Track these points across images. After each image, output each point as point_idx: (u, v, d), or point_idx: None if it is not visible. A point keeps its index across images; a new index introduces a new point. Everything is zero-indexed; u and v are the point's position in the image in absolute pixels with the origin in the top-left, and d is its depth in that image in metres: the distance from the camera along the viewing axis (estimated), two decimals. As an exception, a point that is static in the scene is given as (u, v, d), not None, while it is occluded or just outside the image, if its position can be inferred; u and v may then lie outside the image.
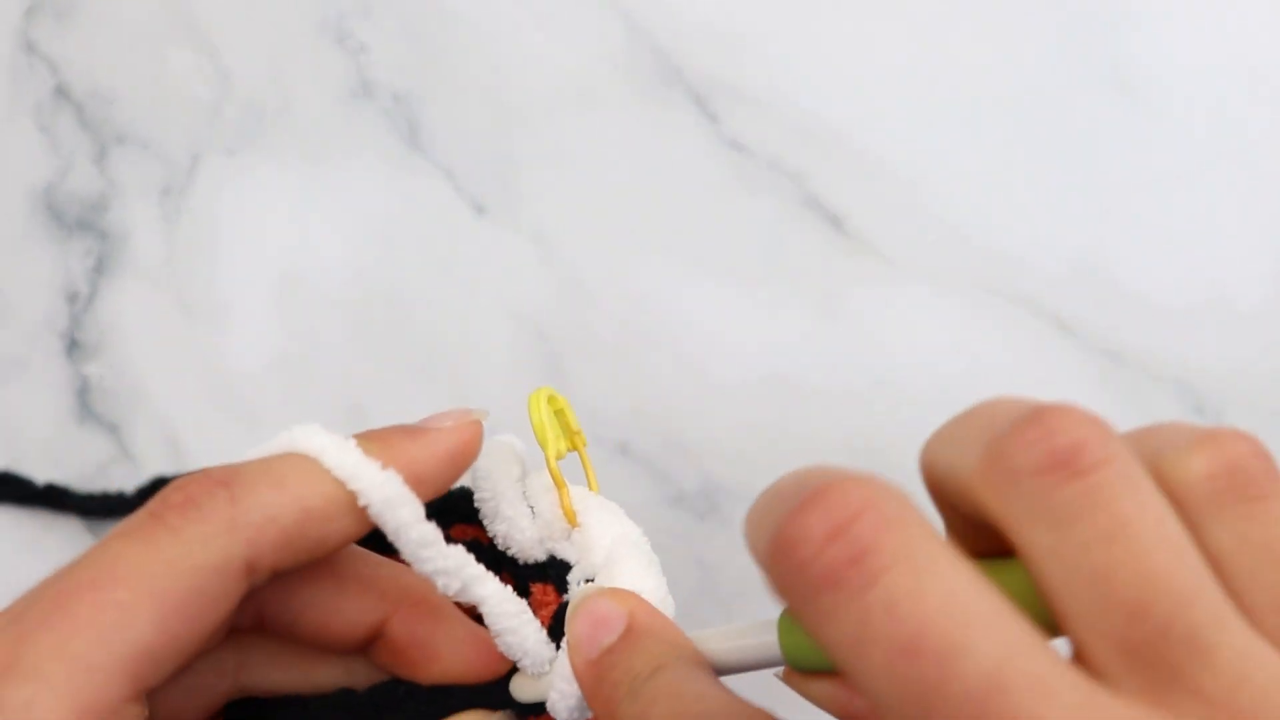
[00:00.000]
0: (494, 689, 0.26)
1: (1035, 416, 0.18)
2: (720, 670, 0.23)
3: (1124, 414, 0.41)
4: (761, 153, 0.44)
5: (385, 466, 0.24)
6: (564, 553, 0.28)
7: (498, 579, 0.26)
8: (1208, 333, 0.41)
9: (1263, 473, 0.18)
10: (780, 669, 0.23)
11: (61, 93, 0.48)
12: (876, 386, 0.42)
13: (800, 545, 0.17)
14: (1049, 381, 0.42)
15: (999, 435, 0.18)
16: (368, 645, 0.26)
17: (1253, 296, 0.41)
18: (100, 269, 0.47)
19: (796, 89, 0.44)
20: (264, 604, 0.25)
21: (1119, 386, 0.41)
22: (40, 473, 0.45)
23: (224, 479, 0.23)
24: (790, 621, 0.22)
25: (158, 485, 0.45)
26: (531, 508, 0.28)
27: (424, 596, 0.26)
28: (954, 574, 0.17)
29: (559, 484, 0.28)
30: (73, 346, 0.46)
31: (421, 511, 0.24)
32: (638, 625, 0.23)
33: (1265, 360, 0.41)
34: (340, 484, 0.23)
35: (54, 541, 0.46)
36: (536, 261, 0.45)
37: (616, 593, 0.24)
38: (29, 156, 0.48)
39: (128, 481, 0.45)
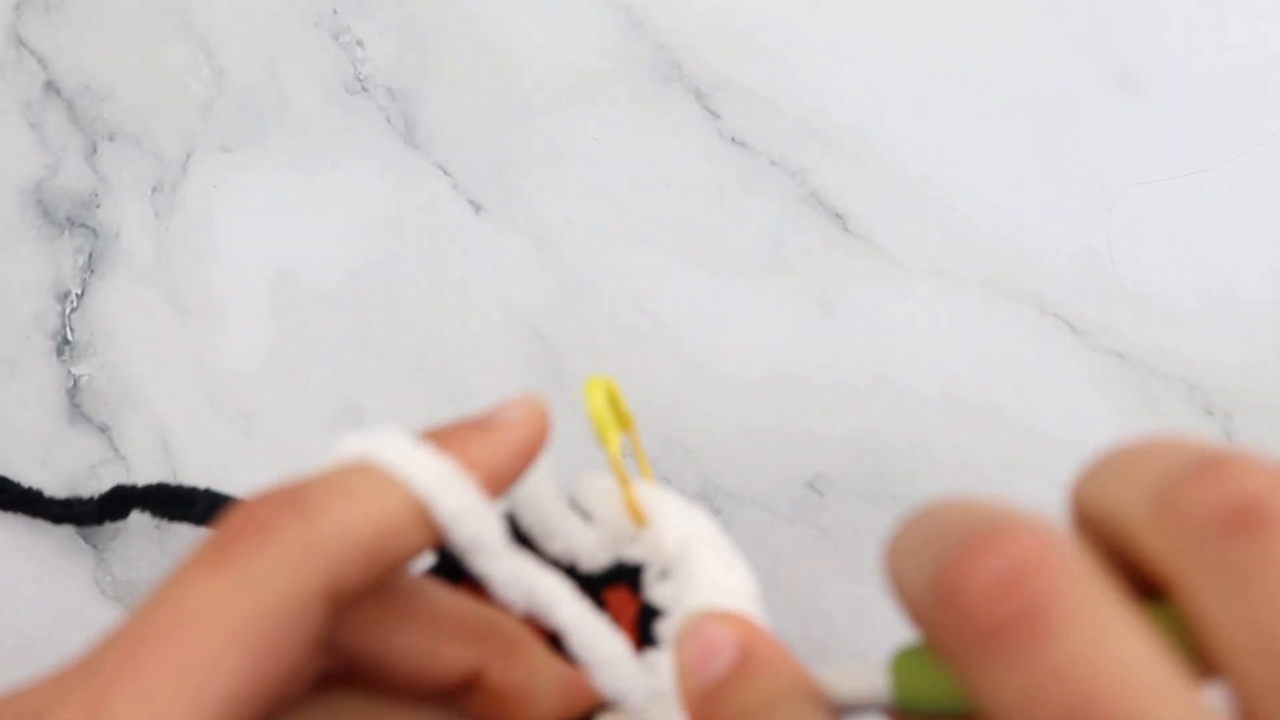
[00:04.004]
0: None
1: (1213, 465, 0.17)
2: (840, 709, 0.21)
3: (1131, 413, 0.41)
4: (763, 149, 0.44)
5: (459, 470, 0.22)
6: (632, 554, 0.25)
7: (584, 602, 0.24)
8: (1216, 331, 0.41)
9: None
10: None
11: (52, 88, 0.47)
12: (879, 386, 0.42)
13: (967, 594, 0.16)
14: (1055, 381, 0.41)
15: (1173, 483, 0.17)
16: (460, 693, 0.24)
17: (1261, 295, 0.41)
18: (91, 267, 0.46)
19: (798, 85, 0.44)
20: (356, 652, 0.23)
21: (1126, 386, 0.41)
22: (30, 474, 0.45)
23: (293, 498, 0.21)
24: (911, 662, 0.20)
25: (117, 494, 0.43)
26: (585, 514, 0.26)
27: (517, 637, 0.24)
28: (1130, 636, 0.16)
29: (623, 481, 0.25)
30: (63, 346, 0.46)
31: (498, 524, 0.22)
32: (753, 655, 0.21)
33: (1274, 359, 0.40)
34: (414, 494, 0.22)
35: (43, 544, 0.45)
36: (535, 260, 0.44)
37: (727, 617, 0.22)
38: (18, 153, 0.47)
39: (119, 482, 0.45)
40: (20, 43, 0.48)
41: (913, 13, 0.44)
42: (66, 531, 0.45)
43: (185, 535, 0.45)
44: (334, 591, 0.20)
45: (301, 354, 0.45)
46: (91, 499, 0.43)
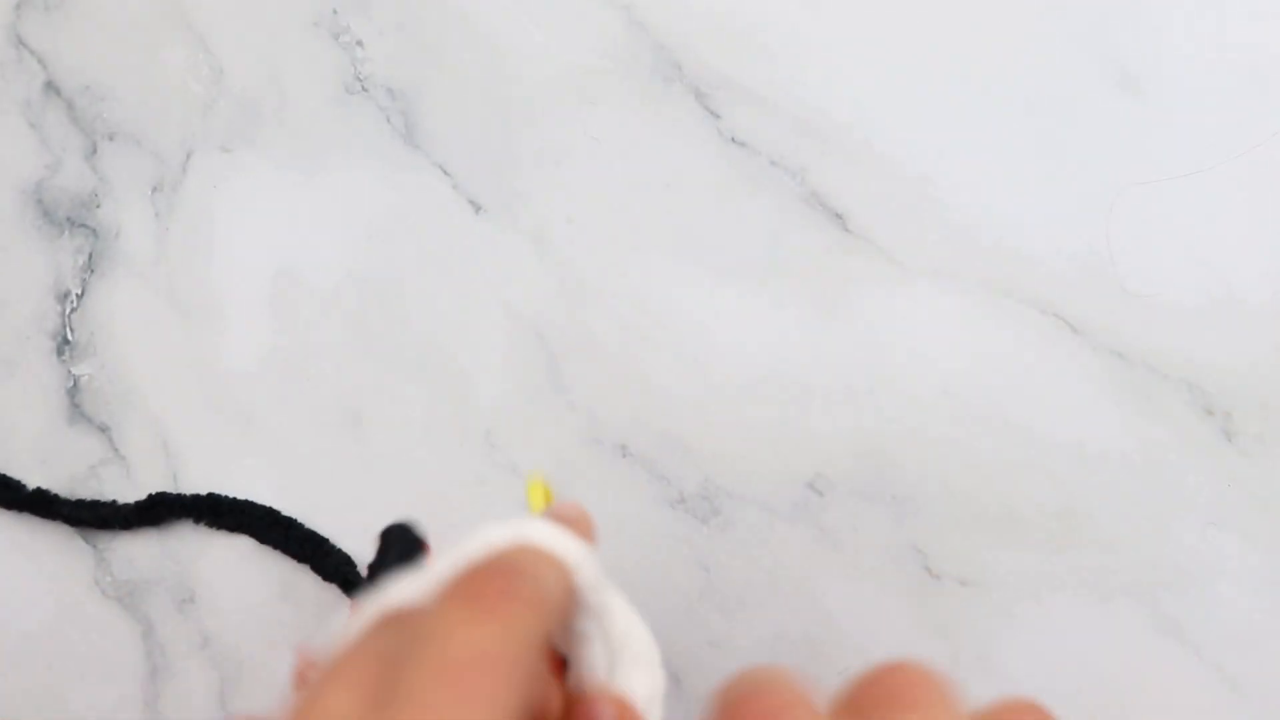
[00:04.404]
0: None
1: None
2: None
3: (1131, 413, 0.41)
4: (763, 149, 0.44)
5: (580, 543, 0.27)
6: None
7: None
8: (1216, 331, 0.41)
9: None
10: None
11: (52, 88, 0.47)
12: (879, 387, 0.42)
13: None
14: (1055, 381, 0.41)
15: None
16: None
17: (1261, 295, 0.41)
18: (91, 267, 0.46)
19: (799, 85, 0.44)
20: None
21: (1126, 386, 0.41)
22: (30, 474, 0.45)
23: (515, 566, 0.25)
24: None
25: (155, 502, 0.44)
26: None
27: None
28: None
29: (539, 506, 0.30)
30: (63, 346, 0.46)
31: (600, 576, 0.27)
32: None
33: (1274, 359, 0.40)
34: (568, 563, 0.26)
35: (43, 544, 0.45)
36: (535, 260, 0.44)
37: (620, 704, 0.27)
38: (18, 153, 0.47)
39: (119, 482, 0.45)
40: (20, 43, 0.48)
41: (913, 13, 0.44)
42: (66, 531, 0.45)
43: (185, 536, 0.45)
44: (543, 652, 0.24)
45: (301, 354, 0.45)
46: (114, 502, 0.44)
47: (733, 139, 0.44)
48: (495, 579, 0.24)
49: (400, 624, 0.23)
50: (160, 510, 0.44)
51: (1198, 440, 0.40)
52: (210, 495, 0.44)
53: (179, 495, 0.44)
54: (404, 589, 0.25)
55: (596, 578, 0.27)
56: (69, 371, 0.45)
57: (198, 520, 0.44)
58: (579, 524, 0.29)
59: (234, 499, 0.44)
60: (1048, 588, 0.40)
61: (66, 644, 0.45)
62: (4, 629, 0.45)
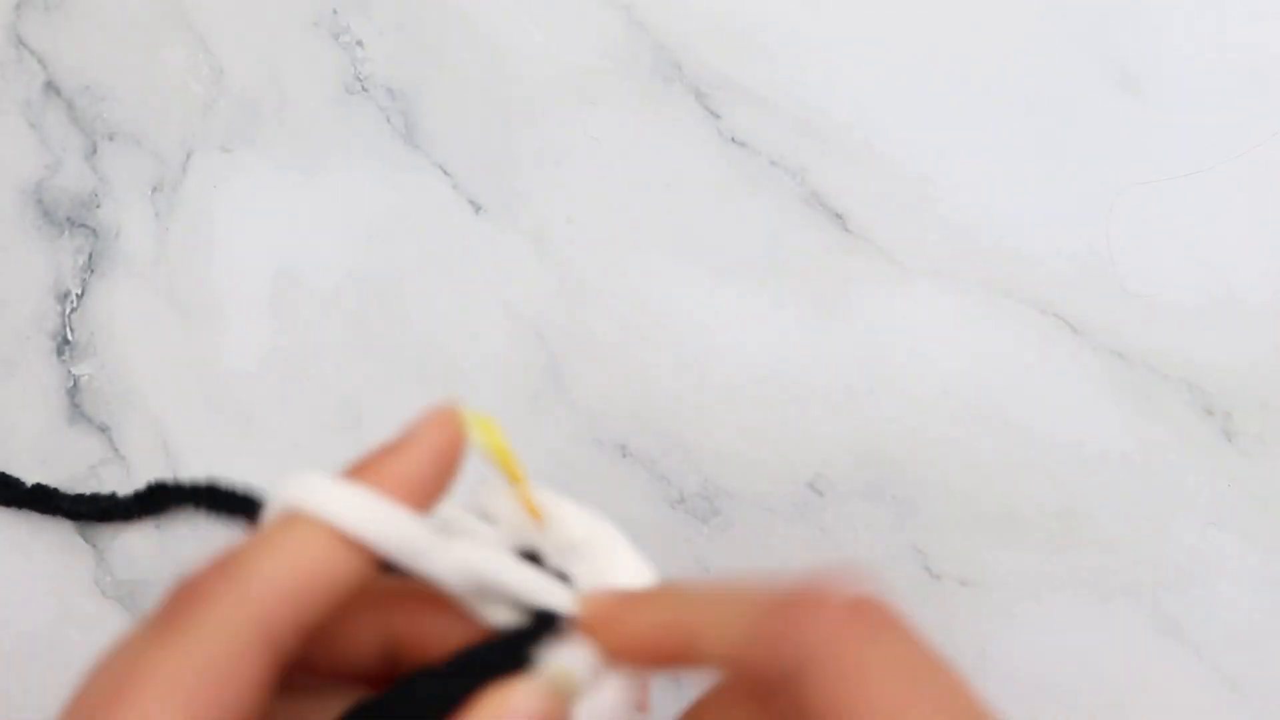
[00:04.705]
0: (512, 643, 0.25)
1: None
2: None
3: (1131, 413, 0.41)
4: (763, 149, 0.44)
5: (374, 494, 0.24)
6: (534, 544, 0.27)
7: (529, 565, 0.25)
8: (1216, 331, 0.41)
9: None
10: None
11: (52, 88, 0.47)
12: (879, 387, 0.42)
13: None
14: (1055, 381, 0.41)
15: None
16: (386, 669, 0.26)
17: (1262, 295, 0.41)
18: (91, 267, 0.46)
19: (799, 85, 0.44)
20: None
21: (1126, 386, 0.41)
22: (30, 474, 0.45)
23: (222, 563, 0.23)
24: None
25: (154, 490, 0.44)
26: (488, 519, 0.27)
27: (429, 597, 0.26)
28: None
29: (518, 481, 0.27)
30: (63, 346, 0.46)
31: (424, 528, 0.24)
32: None
33: (1274, 359, 0.40)
34: (339, 530, 0.23)
35: (42, 543, 0.45)
36: (535, 260, 0.44)
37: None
38: (18, 153, 0.47)
39: (119, 483, 0.45)
40: (20, 43, 0.48)
41: (913, 13, 0.44)
42: (66, 531, 0.45)
43: (186, 535, 0.45)
44: (274, 639, 0.22)
45: (301, 354, 0.45)
46: (113, 495, 0.44)
47: (733, 139, 0.44)
48: (193, 582, 0.22)
49: (101, 661, 0.22)
50: (159, 498, 0.44)
51: (1198, 440, 0.40)
52: (209, 483, 0.44)
53: (178, 484, 0.44)
54: None
55: (395, 521, 0.24)
56: (69, 371, 0.45)
57: (197, 506, 0.44)
58: (410, 449, 0.25)
59: (232, 488, 0.44)
60: (1048, 588, 0.40)
61: (66, 644, 0.45)
62: (4, 629, 0.45)
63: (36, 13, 0.48)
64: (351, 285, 0.45)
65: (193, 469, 0.45)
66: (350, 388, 0.44)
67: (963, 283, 0.42)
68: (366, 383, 0.44)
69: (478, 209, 0.45)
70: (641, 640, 0.23)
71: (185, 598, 0.22)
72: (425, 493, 0.25)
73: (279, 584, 0.22)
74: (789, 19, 0.44)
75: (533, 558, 0.27)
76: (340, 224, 0.45)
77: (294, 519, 0.24)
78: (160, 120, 0.47)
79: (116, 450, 0.45)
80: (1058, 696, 0.40)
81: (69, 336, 0.46)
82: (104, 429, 0.45)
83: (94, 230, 0.46)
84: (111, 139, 0.47)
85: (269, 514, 0.24)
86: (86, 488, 0.44)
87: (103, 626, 0.45)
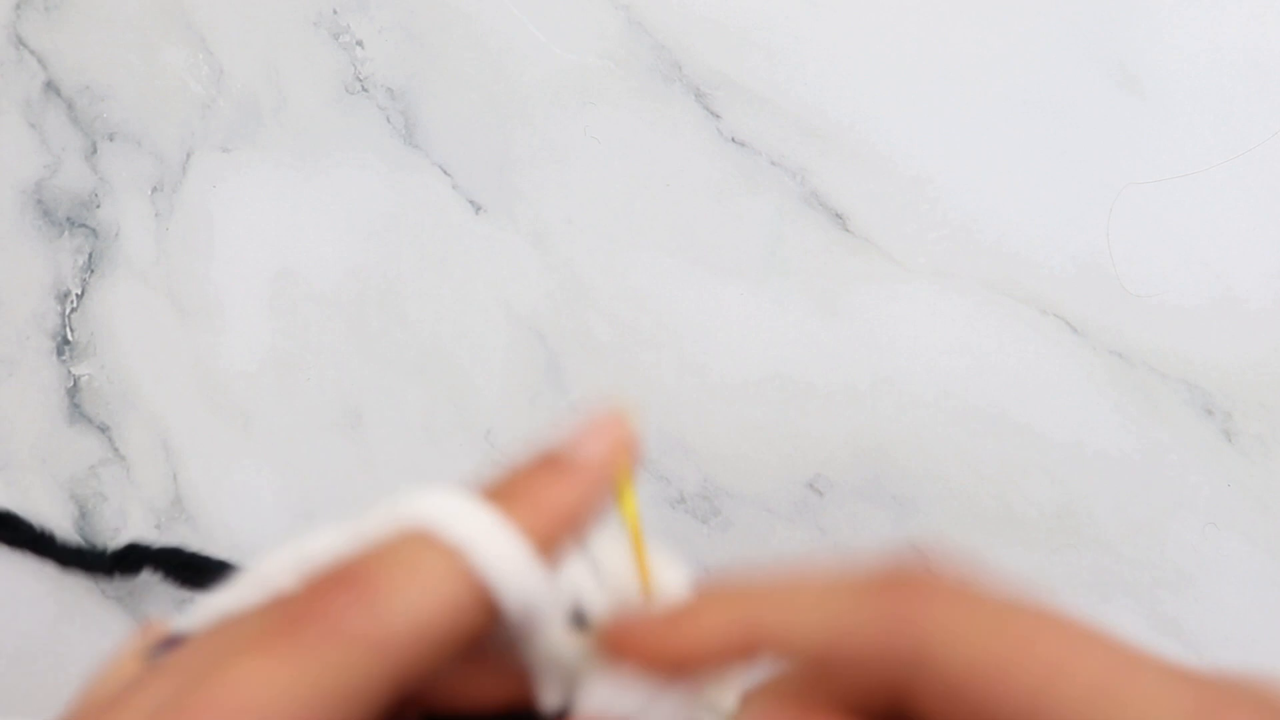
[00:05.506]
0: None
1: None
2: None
3: (1131, 413, 0.41)
4: (763, 149, 0.44)
5: (523, 542, 0.20)
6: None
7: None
8: (1216, 332, 0.41)
9: None
10: None
11: (52, 88, 0.47)
12: (879, 386, 0.42)
13: None
14: (1055, 381, 0.41)
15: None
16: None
17: (1261, 296, 0.41)
18: (91, 267, 0.46)
19: (799, 85, 0.44)
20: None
21: (1126, 386, 0.41)
22: (30, 474, 0.45)
23: (356, 582, 0.19)
24: None
25: (131, 551, 0.44)
26: (593, 561, 0.23)
27: None
28: None
29: (639, 547, 0.23)
30: (63, 346, 0.46)
31: (560, 605, 0.21)
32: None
33: (1274, 359, 0.40)
34: (478, 574, 0.20)
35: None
36: (535, 260, 0.44)
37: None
38: (18, 153, 0.47)
39: (119, 483, 0.45)
40: (20, 43, 0.48)
41: (913, 13, 0.44)
42: (67, 532, 0.45)
43: (185, 535, 0.45)
44: (400, 681, 0.19)
45: (301, 354, 0.45)
46: (104, 549, 0.44)
47: (733, 139, 0.44)
48: (318, 599, 0.19)
49: (179, 661, 0.19)
50: (132, 560, 0.44)
51: (1198, 440, 0.40)
52: (176, 549, 0.44)
53: (148, 547, 0.44)
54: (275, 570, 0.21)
55: (538, 586, 0.20)
56: (69, 371, 0.45)
57: (166, 575, 0.44)
58: (576, 474, 0.21)
59: (197, 554, 0.44)
60: (1047, 588, 0.40)
61: (67, 644, 0.45)
62: (4, 629, 0.45)
63: (36, 13, 0.48)
64: (351, 285, 0.45)
65: (193, 468, 0.45)
66: (350, 387, 0.44)
67: (963, 283, 0.42)
68: (366, 382, 0.44)
69: (477, 209, 0.45)
70: (706, 647, 0.20)
71: (314, 617, 0.19)
72: (575, 529, 0.21)
73: (419, 625, 0.19)
74: (789, 19, 0.44)
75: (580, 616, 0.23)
76: (340, 224, 0.45)
77: (429, 542, 0.20)
78: (160, 120, 0.47)
79: (116, 450, 0.45)
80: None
81: (69, 336, 0.46)
82: (104, 429, 0.45)
83: (94, 230, 0.46)
84: (111, 139, 0.47)
85: (389, 519, 0.21)
86: (87, 487, 0.44)
87: (103, 626, 0.45)
